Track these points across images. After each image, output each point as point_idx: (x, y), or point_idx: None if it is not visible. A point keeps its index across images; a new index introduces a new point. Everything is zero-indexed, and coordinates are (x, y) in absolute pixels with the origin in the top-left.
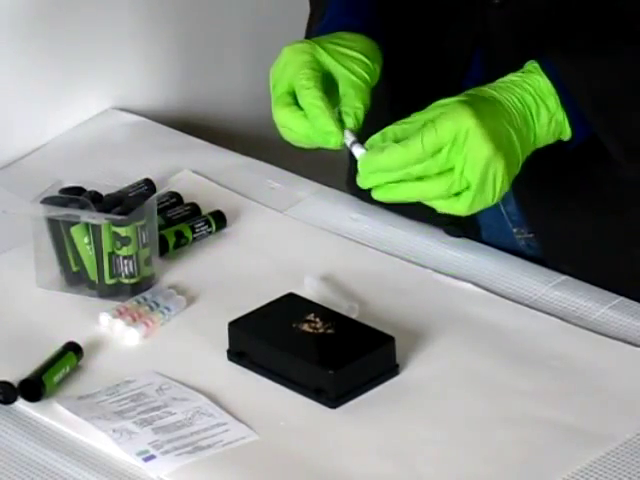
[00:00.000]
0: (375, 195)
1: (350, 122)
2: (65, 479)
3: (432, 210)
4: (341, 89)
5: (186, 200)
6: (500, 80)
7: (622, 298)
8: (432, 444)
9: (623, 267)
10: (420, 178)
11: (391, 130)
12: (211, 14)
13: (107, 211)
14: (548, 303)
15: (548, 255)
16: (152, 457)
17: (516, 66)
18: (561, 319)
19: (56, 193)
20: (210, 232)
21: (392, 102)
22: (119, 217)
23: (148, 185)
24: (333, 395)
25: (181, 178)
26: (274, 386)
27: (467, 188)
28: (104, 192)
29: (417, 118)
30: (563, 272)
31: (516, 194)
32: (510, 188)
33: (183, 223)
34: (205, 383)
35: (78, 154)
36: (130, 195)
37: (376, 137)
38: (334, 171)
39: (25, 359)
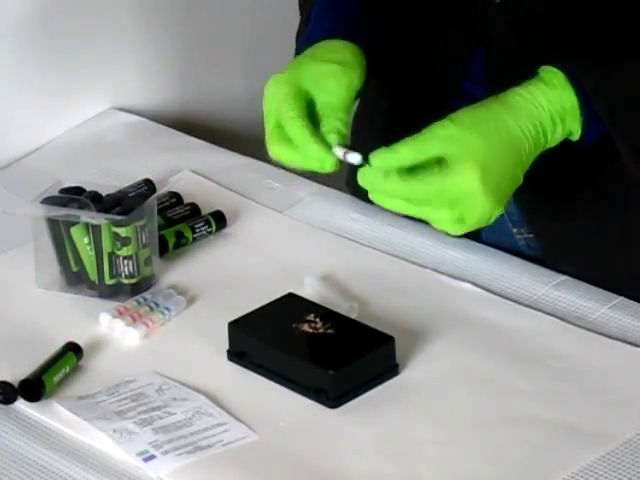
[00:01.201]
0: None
1: (334, 139)
2: (65, 479)
3: None
4: (319, 110)
5: (186, 200)
6: (520, 92)
7: (622, 298)
8: (432, 444)
9: (623, 267)
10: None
11: (404, 151)
12: (211, 14)
13: (107, 211)
14: (548, 303)
15: (548, 255)
16: (152, 457)
17: (516, 66)
18: (561, 319)
19: (56, 193)
20: (210, 232)
21: (392, 103)
22: (119, 217)
23: (148, 185)
24: (333, 395)
25: (181, 178)
26: (274, 386)
27: (464, 220)
28: (104, 192)
29: (430, 145)
30: (563, 272)
31: (516, 195)
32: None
33: (183, 223)
34: (205, 383)
35: (78, 154)
36: (130, 195)
37: (389, 156)
38: (334, 171)
39: (25, 359)
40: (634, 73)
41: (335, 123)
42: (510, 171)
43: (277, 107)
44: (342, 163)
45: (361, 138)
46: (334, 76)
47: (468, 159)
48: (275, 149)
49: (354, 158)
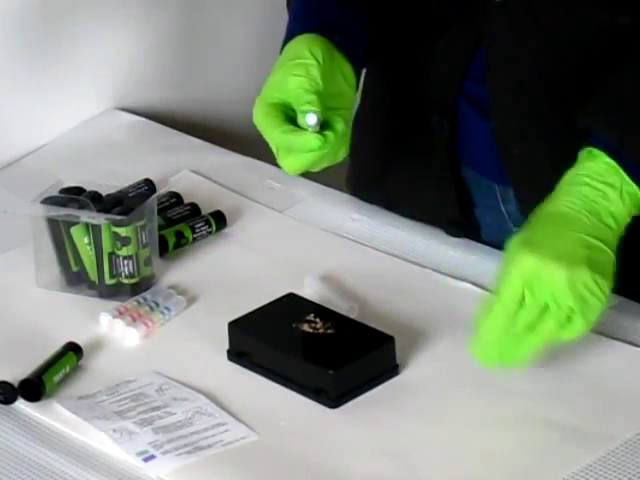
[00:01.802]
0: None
1: (307, 112)
2: (65, 479)
3: (432, 210)
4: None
5: (186, 200)
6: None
7: (622, 298)
8: (432, 444)
9: (623, 267)
10: (531, 328)
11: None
12: (211, 14)
13: (107, 211)
14: None
15: None
16: (152, 457)
17: (517, 65)
18: None
19: (56, 193)
20: (210, 232)
21: (393, 102)
22: (119, 217)
23: (148, 185)
24: (333, 395)
25: (181, 178)
26: (274, 386)
27: (572, 310)
28: (104, 192)
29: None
30: None
31: (516, 194)
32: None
33: (183, 223)
34: (205, 383)
35: (78, 154)
36: (130, 195)
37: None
38: (334, 171)
39: (25, 359)
40: None
41: (304, 106)
42: (570, 238)
43: (263, 131)
44: (342, 163)
45: (362, 138)
46: (290, 74)
47: (515, 252)
48: (283, 163)
49: (311, 119)
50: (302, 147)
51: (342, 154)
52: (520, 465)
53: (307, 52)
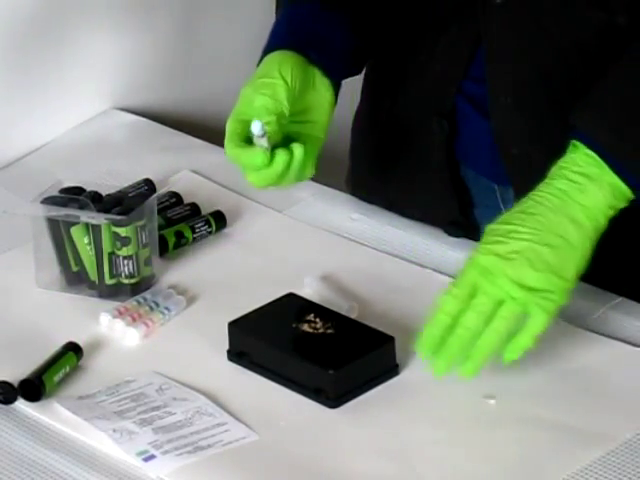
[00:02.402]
0: (465, 373)
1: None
2: (65, 479)
3: (432, 210)
4: None
5: (186, 200)
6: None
7: (622, 298)
8: (432, 444)
9: (623, 267)
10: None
11: (486, 260)
12: (211, 14)
13: (107, 211)
14: None
15: None
16: (152, 457)
17: (517, 66)
18: (561, 319)
19: (56, 193)
20: (210, 232)
21: (393, 102)
22: (119, 217)
23: (148, 185)
24: (333, 395)
25: (181, 178)
26: (274, 386)
27: (526, 306)
28: (104, 192)
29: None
30: None
31: (516, 194)
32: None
33: (183, 223)
34: (205, 383)
35: (78, 154)
36: (130, 195)
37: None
38: (334, 171)
39: (25, 359)
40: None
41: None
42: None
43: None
44: (342, 163)
45: (362, 138)
46: (258, 92)
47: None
48: (246, 178)
49: (255, 127)
50: (248, 162)
51: (308, 174)
52: (520, 465)
53: (276, 72)
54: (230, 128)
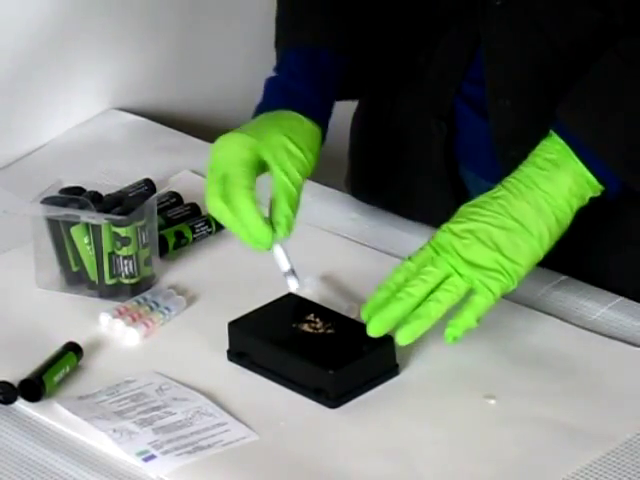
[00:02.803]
0: (401, 337)
1: (282, 232)
2: (65, 479)
3: (431, 211)
4: (274, 190)
5: (186, 200)
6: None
7: (622, 298)
8: (432, 444)
9: (622, 267)
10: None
11: (443, 238)
12: (210, 14)
13: (107, 211)
14: (548, 303)
15: (547, 255)
16: (152, 457)
17: (516, 67)
18: (561, 319)
19: (56, 193)
20: (210, 232)
21: (392, 103)
22: (119, 217)
23: (148, 185)
24: (333, 395)
25: (181, 178)
26: (274, 386)
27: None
28: (104, 192)
29: (467, 227)
30: (563, 272)
31: None
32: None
33: (183, 223)
34: (205, 383)
35: (78, 154)
36: (130, 195)
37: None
38: (334, 171)
39: (25, 359)
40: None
41: (287, 213)
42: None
43: (229, 166)
44: (342, 163)
45: (361, 139)
46: (298, 158)
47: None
48: (216, 204)
49: (293, 285)
50: (253, 237)
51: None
52: (520, 465)
53: (312, 142)
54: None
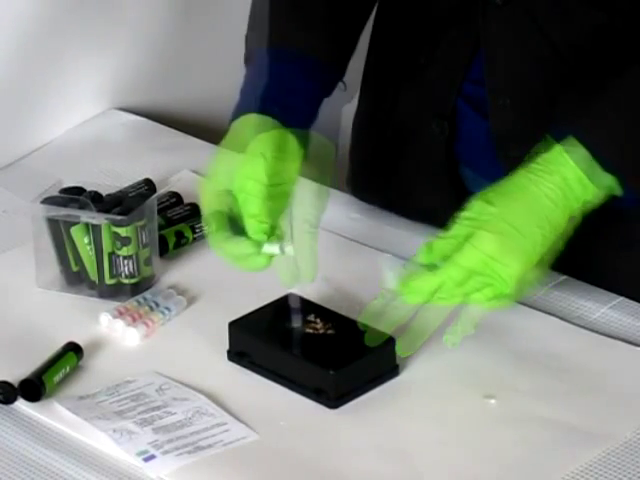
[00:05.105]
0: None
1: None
2: (65, 479)
3: (431, 210)
4: (239, 206)
5: (186, 200)
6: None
7: (622, 298)
8: (432, 444)
9: (623, 267)
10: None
11: (437, 245)
12: (210, 14)
13: (107, 211)
14: (548, 303)
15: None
16: (152, 457)
17: (517, 68)
18: (561, 319)
19: (56, 193)
20: None
21: (392, 104)
22: (119, 217)
23: (148, 185)
24: (333, 395)
25: (181, 178)
26: (274, 386)
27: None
28: (104, 192)
29: (457, 233)
30: (563, 272)
31: None
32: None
33: (183, 223)
34: (205, 383)
35: (78, 154)
36: (130, 195)
37: (424, 251)
38: (334, 171)
39: (25, 359)
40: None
41: (258, 225)
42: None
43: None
44: (342, 163)
45: (361, 139)
46: (247, 174)
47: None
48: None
49: (290, 250)
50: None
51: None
52: (520, 465)
53: (257, 147)
54: (214, 220)
